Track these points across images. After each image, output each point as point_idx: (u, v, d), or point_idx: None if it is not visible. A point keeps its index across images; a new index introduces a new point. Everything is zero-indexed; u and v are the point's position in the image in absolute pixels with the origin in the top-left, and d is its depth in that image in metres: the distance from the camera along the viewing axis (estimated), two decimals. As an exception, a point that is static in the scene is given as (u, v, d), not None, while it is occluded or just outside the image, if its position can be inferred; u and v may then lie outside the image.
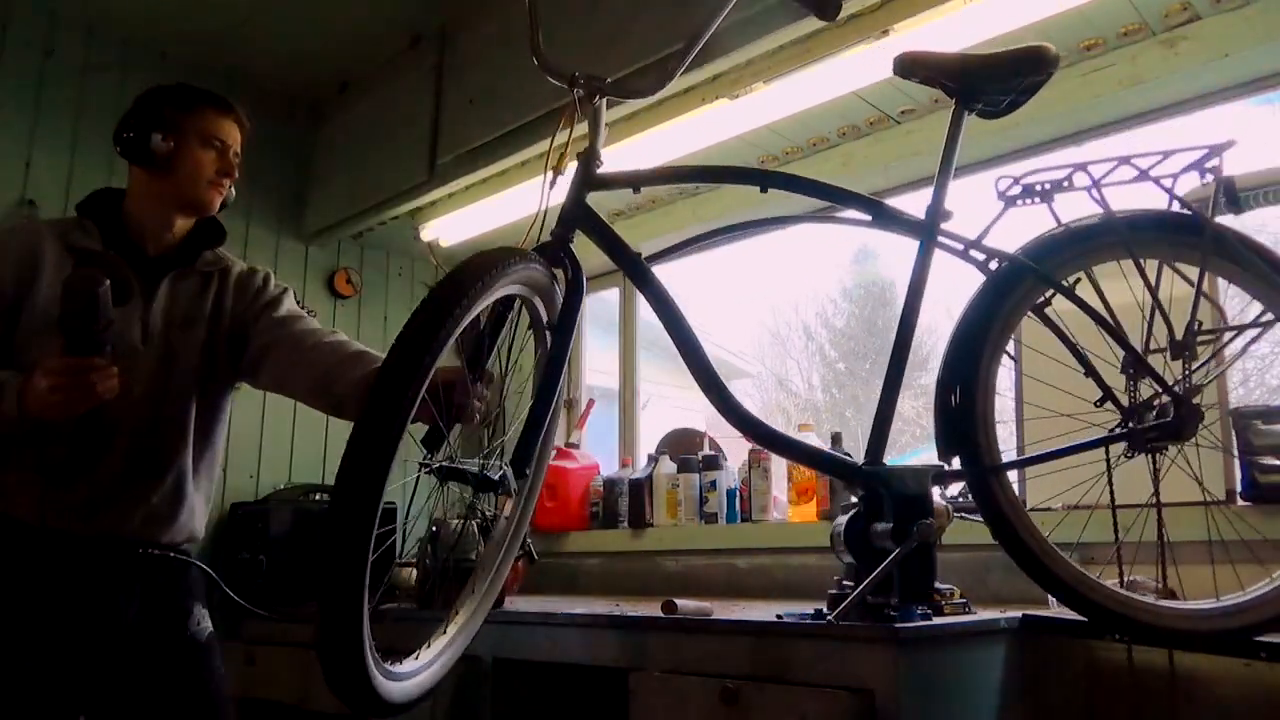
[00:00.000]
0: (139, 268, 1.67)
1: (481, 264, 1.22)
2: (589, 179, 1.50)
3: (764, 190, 1.53)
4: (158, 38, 3.07)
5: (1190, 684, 1.60)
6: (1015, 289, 1.49)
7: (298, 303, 1.89)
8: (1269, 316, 1.47)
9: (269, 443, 3.17)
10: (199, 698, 1.72)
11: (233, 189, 1.83)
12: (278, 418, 3.18)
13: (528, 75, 2.58)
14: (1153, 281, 1.46)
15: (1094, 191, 1.48)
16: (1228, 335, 1.51)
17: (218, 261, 1.81)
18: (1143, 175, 1.47)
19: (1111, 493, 1.53)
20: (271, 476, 3.10)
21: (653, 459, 2.90)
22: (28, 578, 1.58)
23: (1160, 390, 1.46)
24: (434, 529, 2.51)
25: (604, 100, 1.55)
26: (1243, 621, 1.41)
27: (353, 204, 3.15)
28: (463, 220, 3.08)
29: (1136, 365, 1.47)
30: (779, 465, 2.64)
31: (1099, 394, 1.47)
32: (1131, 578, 1.58)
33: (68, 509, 1.59)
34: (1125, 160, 1.47)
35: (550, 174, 1.49)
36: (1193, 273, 1.47)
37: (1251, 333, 1.49)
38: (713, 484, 2.73)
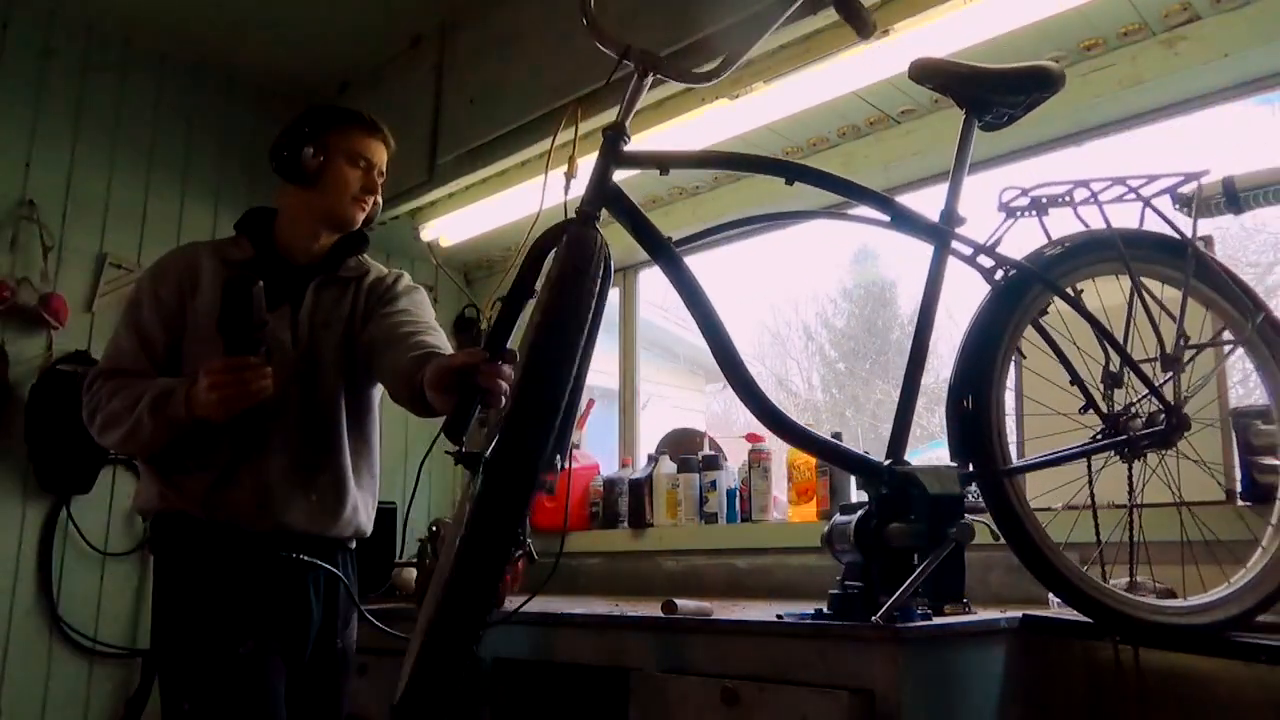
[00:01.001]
0: (287, 277, 1.79)
1: (594, 237, 1.23)
2: (616, 156, 1.44)
3: (790, 182, 1.52)
4: (158, 37, 3.07)
5: (1191, 685, 1.60)
6: (1023, 298, 1.52)
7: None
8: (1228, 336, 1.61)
9: (269, 443, 3.18)
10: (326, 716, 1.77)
11: (379, 204, 1.91)
12: (278, 418, 3.19)
13: (528, 75, 2.60)
14: (1147, 297, 1.52)
15: (1079, 210, 1.55)
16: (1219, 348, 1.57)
17: (359, 267, 1.89)
18: (1132, 193, 1.55)
19: (1092, 495, 1.56)
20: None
21: (653, 459, 2.90)
22: (213, 571, 1.65)
23: (1153, 399, 1.51)
24: (434, 528, 2.51)
25: (649, 79, 1.50)
26: (1210, 618, 1.47)
27: (353, 204, 3.14)
28: (463, 220, 3.08)
29: (1132, 374, 1.52)
30: (779, 465, 2.64)
31: (1093, 397, 1.51)
32: (1135, 578, 1.58)
33: (236, 506, 1.67)
34: (1120, 180, 1.55)
35: (563, 177, 1.46)
36: (1159, 289, 1.56)
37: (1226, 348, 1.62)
38: (713, 484, 2.73)
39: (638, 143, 1.49)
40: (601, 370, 3.47)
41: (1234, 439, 1.81)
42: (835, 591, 1.48)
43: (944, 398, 1.52)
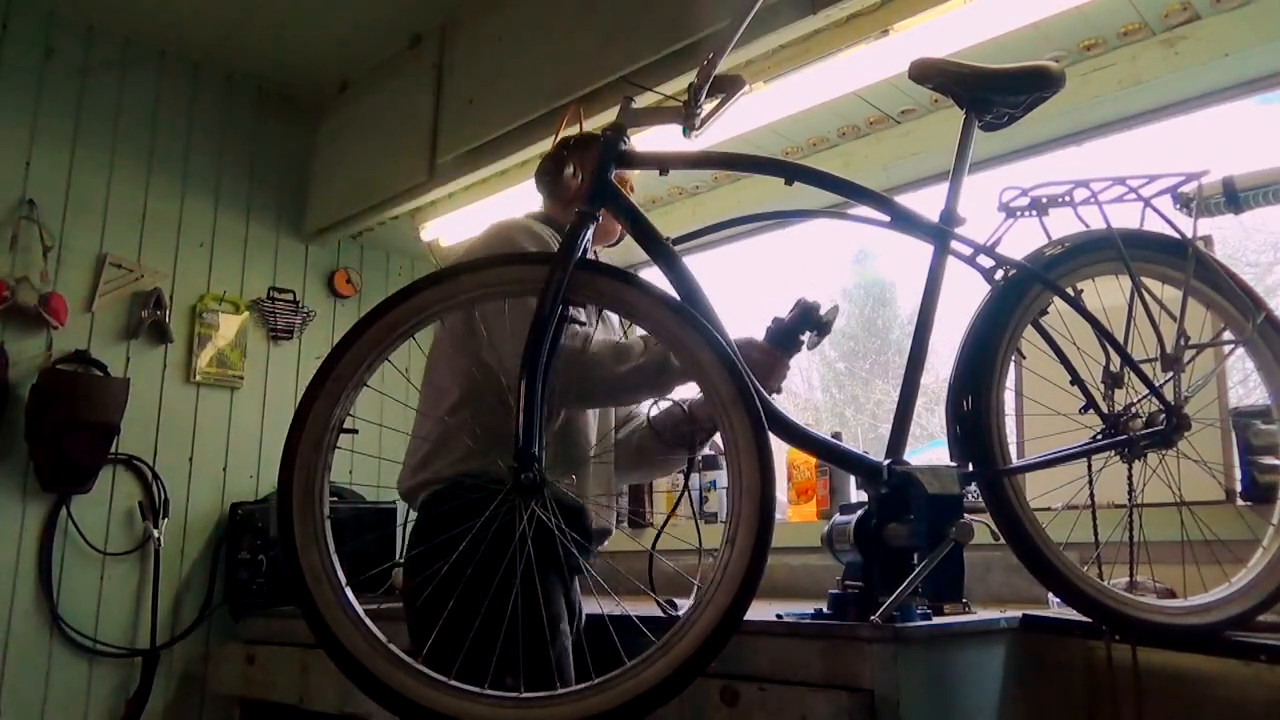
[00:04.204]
0: None
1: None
2: (615, 156, 1.45)
3: (789, 182, 1.52)
4: (158, 38, 3.07)
5: (1191, 684, 1.60)
6: (1023, 298, 1.52)
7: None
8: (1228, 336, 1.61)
9: (269, 443, 3.18)
10: None
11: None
12: (277, 418, 3.19)
13: (528, 75, 2.60)
14: (1147, 297, 1.52)
15: (1079, 210, 1.55)
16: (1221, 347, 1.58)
17: None
18: (1132, 193, 1.55)
19: (1092, 495, 1.57)
20: (271, 476, 3.10)
21: (653, 459, 2.89)
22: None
23: (1154, 399, 1.51)
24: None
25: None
26: (1210, 618, 1.47)
27: (353, 204, 3.14)
28: (463, 220, 3.08)
29: (1132, 374, 1.52)
30: (779, 465, 2.64)
31: (1093, 397, 1.51)
32: (1136, 578, 1.59)
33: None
34: (1120, 180, 1.55)
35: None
36: (1159, 289, 1.56)
37: (1227, 348, 1.62)
38: (713, 484, 2.73)
39: (637, 142, 1.49)
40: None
41: (1234, 439, 1.81)
42: (835, 591, 1.48)
43: (944, 398, 1.52)
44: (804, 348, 1.65)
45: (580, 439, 1.76)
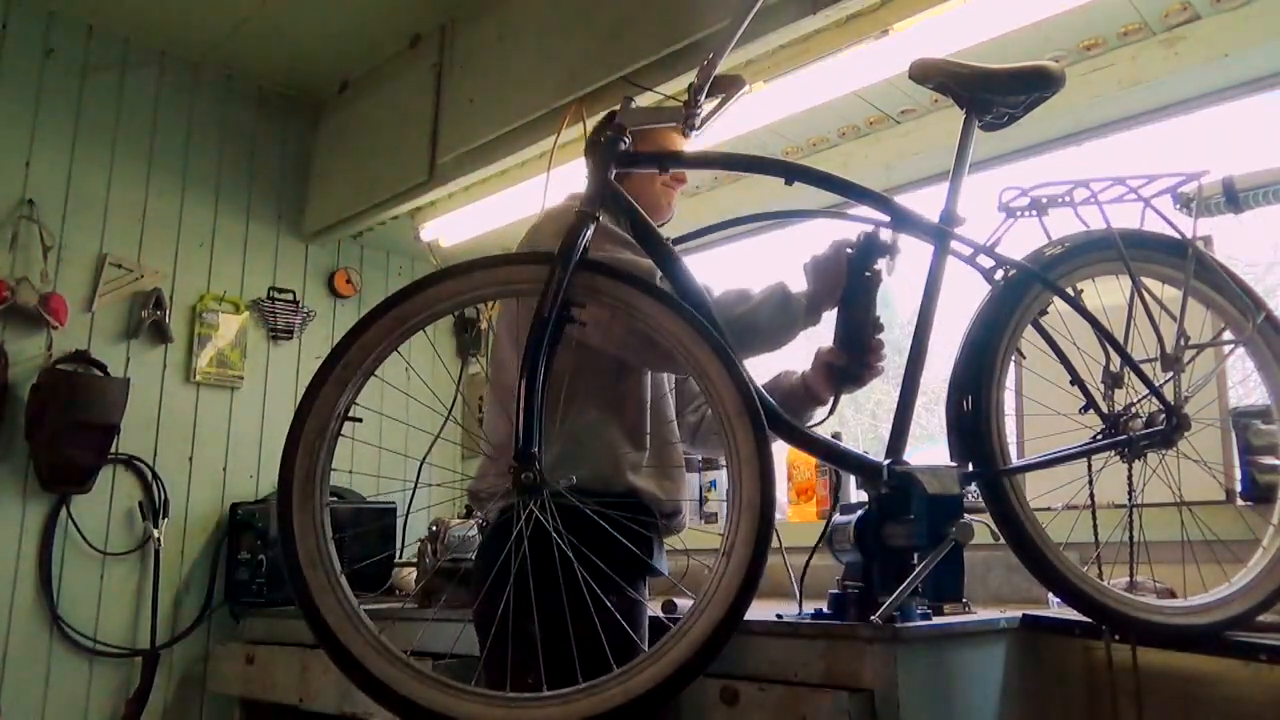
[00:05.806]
0: None
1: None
2: (615, 156, 1.46)
3: (789, 183, 1.52)
4: (158, 38, 3.07)
5: (1191, 684, 1.60)
6: (1023, 298, 1.52)
7: None
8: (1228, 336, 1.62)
9: (269, 442, 3.18)
10: None
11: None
12: (277, 417, 3.19)
13: (528, 75, 2.60)
14: (1147, 297, 1.53)
15: (1079, 210, 1.55)
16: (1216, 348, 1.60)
17: None
18: (1132, 193, 1.55)
19: (1092, 495, 1.58)
20: (271, 476, 3.11)
21: (653, 459, 2.89)
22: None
23: (1154, 399, 1.51)
24: (434, 528, 2.51)
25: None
26: (1210, 618, 1.47)
27: (353, 204, 3.14)
28: (463, 220, 3.08)
29: (1132, 374, 1.52)
30: (779, 465, 2.64)
31: (1093, 397, 1.51)
32: (1136, 578, 1.59)
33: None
34: (1120, 180, 1.55)
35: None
36: (1159, 289, 1.57)
37: (1227, 348, 1.64)
38: (712, 484, 2.73)
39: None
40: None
41: (1234, 439, 1.81)
42: (835, 591, 1.49)
43: (944, 398, 1.52)
44: (885, 275, 1.55)
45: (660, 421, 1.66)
